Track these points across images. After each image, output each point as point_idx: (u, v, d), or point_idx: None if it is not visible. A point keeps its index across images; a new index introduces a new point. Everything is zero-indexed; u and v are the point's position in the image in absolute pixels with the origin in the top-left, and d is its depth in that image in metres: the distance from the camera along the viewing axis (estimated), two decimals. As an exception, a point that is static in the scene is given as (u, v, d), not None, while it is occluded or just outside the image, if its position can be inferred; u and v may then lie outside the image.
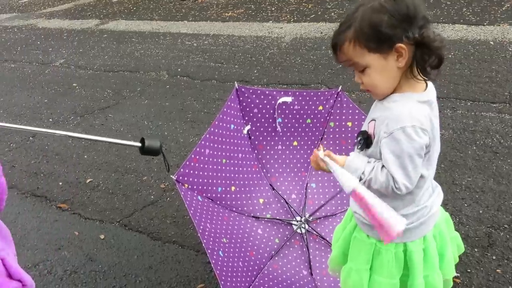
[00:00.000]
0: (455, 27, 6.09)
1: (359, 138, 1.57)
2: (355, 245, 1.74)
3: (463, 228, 2.72)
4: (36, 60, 7.73)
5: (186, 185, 2.39)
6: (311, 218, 2.72)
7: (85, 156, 4.22)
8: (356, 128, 2.79)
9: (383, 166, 1.47)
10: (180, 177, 2.36)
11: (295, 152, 2.87)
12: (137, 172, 3.82)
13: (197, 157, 2.44)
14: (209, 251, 2.14)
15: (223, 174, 2.59)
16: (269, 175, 2.84)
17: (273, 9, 8.57)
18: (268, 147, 2.84)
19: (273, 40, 6.85)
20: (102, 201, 3.50)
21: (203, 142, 2.48)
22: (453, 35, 5.80)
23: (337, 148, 2.84)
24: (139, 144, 1.91)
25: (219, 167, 2.57)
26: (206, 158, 2.49)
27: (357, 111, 2.76)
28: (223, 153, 2.59)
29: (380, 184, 1.47)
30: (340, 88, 2.80)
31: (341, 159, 1.57)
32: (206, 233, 2.24)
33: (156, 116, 4.87)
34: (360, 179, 1.50)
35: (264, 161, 2.84)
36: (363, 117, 2.76)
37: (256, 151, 2.81)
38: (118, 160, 4.07)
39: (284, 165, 2.87)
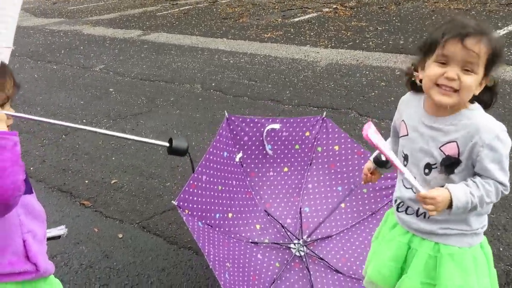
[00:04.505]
0: None
1: (443, 166, 1.60)
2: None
3: (481, 264, 2.66)
4: (77, 64, 7.99)
5: (187, 211, 2.41)
6: (308, 239, 2.72)
7: (113, 158, 4.32)
8: (343, 151, 2.86)
9: (481, 177, 1.56)
10: (181, 203, 2.38)
11: (286, 177, 2.94)
12: (161, 178, 3.89)
13: (195, 183, 2.47)
14: (216, 272, 2.16)
15: (220, 201, 2.63)
16: (263, 201, 2.88)
17: (312, 34, 8.65)
18: (260, 174, 2.90)
19: (308, 63, 6.91)
20: (124, 202, 3.57)
21: (200, 169, 2.50)
22: None
23: (327, 172, 2.92)
24: (167, 144, 1.92)
25: (216, 194, 2.60)
26: (204, 185, 2.52)
27: (342, 134, 2.87)
28: (219, 180, 2.63)
29: (493, 196, 1.56)
30: (324, 114, 2.91)
31: (443, 192, 1.55)
32: (211, 256, 2.27)
33: (186, 126, 4.96)
34: (471, 202, 1.54)
35: (257, 188, 2.89)
36: (349, 139, 2.87)
37: (248, 178, 2.87)
38: (144, 164, 4.15)
39: (276, 191, 2.93)
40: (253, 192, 2.86)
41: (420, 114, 1.67)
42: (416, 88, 1.69)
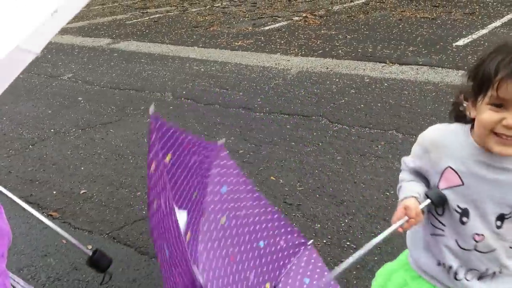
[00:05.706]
0: None
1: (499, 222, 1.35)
2: None
3: None
4: (45, 73, 7.84)
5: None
6: None
7: (82, 168, 4.24)
8: (179, 160, 1.70)
9: None
10: None
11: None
12: (131, 187, 3.84)
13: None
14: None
15: None
16: None
17: (282, 42, 8.71)
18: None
19: (279, 71, 6.95)
20: (94, 213, 3.50)
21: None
22: None
23: (162, 201, 1.66)
24: (89, 253, 1.82)
25: None
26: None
27: (178, 134, 1.69)
28: None
29: None
30: (152, 107, 1.54)
31: None
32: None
33: (157, 134, 4.90)
34: None
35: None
36: (188, 137, 1.73)
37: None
38: (114, 174, 4.09)
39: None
40: None
41: (477, 154, 1.32)
42: (462, 119, 1.37)
